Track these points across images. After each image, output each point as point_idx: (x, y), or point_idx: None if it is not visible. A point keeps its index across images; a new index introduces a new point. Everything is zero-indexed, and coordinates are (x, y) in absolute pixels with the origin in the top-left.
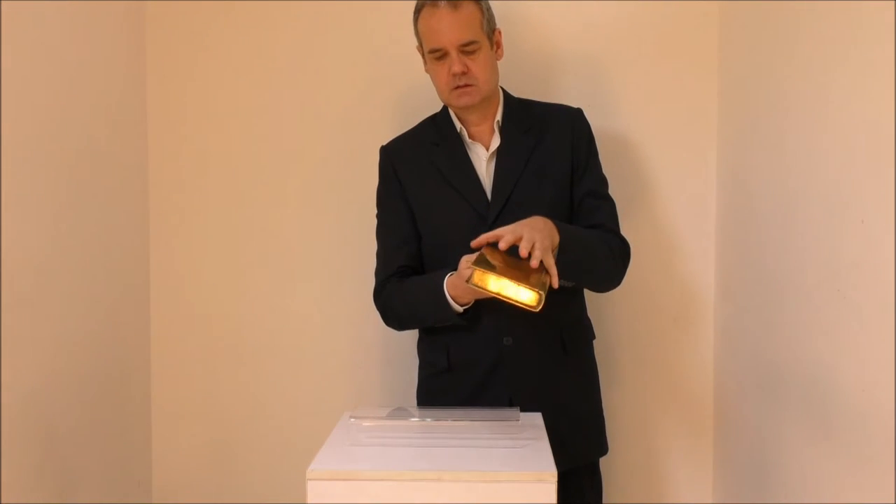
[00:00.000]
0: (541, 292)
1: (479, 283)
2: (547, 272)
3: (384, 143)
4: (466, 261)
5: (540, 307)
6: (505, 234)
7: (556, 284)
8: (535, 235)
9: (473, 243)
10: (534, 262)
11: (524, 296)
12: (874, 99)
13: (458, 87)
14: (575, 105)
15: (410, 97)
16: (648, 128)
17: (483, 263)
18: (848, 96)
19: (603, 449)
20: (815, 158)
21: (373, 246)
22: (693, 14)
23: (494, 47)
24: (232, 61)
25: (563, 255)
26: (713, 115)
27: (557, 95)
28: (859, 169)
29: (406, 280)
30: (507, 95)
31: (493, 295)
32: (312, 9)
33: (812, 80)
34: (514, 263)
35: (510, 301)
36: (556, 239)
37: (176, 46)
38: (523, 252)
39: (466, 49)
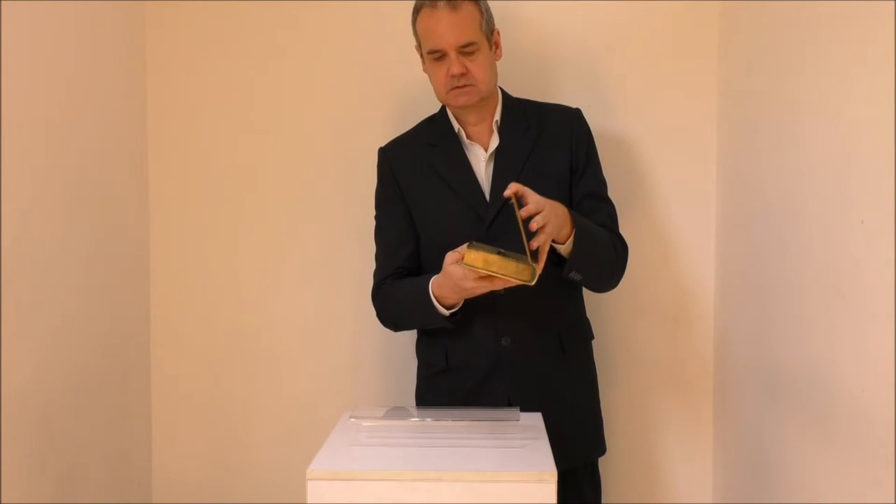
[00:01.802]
0: (534, 266)
1: (472, 263)
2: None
3: (382, 145)
4: (451, 256)
5: (534, 281)
6: (529, 200)
7: (538, 270)
8: (550, 217)
9: (506, 193)
10: (535, 243)
11: (518, 270)
12: (874, 99)
13: (456, 87)
14: (574, 105)
15: (411, 97)
16: (648, 127)
17: (474, 245)
18: (848, 96)
19: (601, 449)
20: (815, 158)
21: (372, 246)
22: (693, 14)
23: (493, 48)
24: (231, 61)
25: (577, 246)
26: (713, 115)
27: (556, 95)
28: (859, 169)
29: (399, 282)
30: (505, 95)
31: (487, 273)
32: (312, 9)
33: (812, 79)
34: (506, 255)
35: (503, 277)
36: (565, 232)
37: (176, 46)
38: (533, 226)
39: (465, 50)
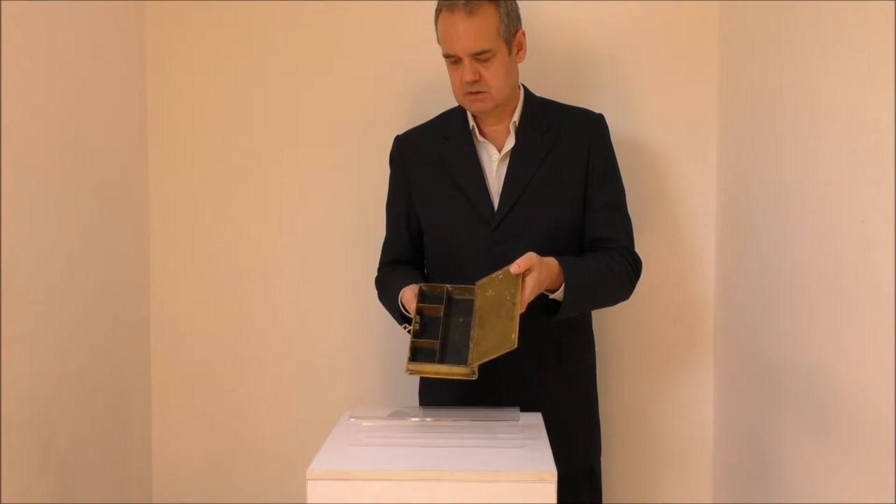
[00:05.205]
0: (473, 367)
1: (417, 371)
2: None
3: (399, 133)
4: (411, 291)
5: (475, 376)
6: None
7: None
8: (533, 286)
9: (514, 270)
10: (521, 306)
11: (458, 372)
12: (874, 98)
13: (470, 93)
14: (572, 104)
15: (419, 94)
16: (648, 128)
17: (415, 354)
18: (848, 96)
19: (597, 455)
20: (815, 158)
21: (372, 247)
22: (693, 14)
23: (515, 50)
24: (231, 61)
25: (568, 302)
26: (713, 114)
27: (554, 96)
28: (859, 169)
29: (390, 273)
30: (528, 95)
31: (433, 376)
32: (312, 7)
33: (812, 79)
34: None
35: (450, 378)
36: (556, 283)
37: (176, 46)
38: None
39: (479, 57)
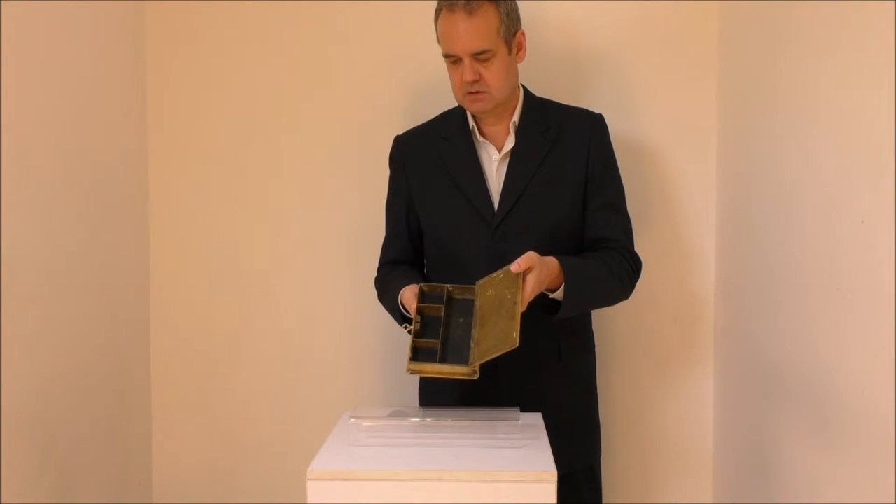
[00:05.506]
0: (474, 367)
1: (418, 370)
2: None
3: (399, 133)
4: (411, 291)
5: (477, 375)
6: (528, 282)
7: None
8: (533, 285)
9: (515, 269)
10: (522, 306)
11: (460, 371)
12: (874, 99)
13: (470, 93)
14: (572, 104)
15: (419, 94)
16: (648, 128)
17: (416, 354)
18: (848, 96)
19: (597, 455)
20: (815, 158)
21: (372, 247)
22: (693, 14)
23: (515, 50)
24: (231, 60)
25: (568, 301)
26: (713, 115)
27: (553, 96)
28: (859, 169)
29: (390, 273)
30: (527, 95)
31: (434, 376)
32: (312, 6)
33: (812, 80)
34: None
35: (452, 377)
36: (556, 283)
37: (176, 46)
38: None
39: (480, 57)
